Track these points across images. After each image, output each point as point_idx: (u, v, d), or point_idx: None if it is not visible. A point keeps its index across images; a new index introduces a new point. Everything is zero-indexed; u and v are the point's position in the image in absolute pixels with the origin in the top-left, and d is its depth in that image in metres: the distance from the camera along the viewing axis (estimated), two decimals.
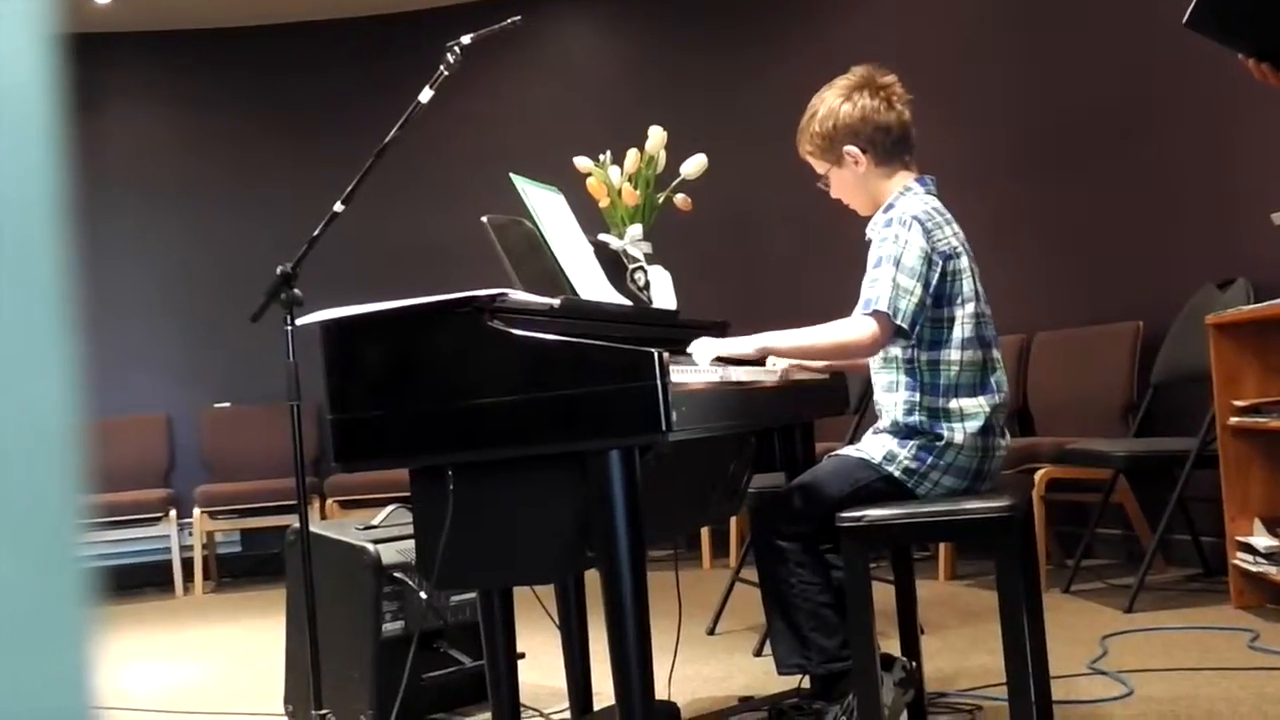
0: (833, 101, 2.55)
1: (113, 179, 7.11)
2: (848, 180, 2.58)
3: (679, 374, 1.99)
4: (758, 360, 2.52)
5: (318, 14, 7.37)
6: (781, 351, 2.47)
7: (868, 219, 2.59)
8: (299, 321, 2.60)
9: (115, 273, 7.03)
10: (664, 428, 1.87)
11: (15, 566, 0.43)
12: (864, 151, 2.53)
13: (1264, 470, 3.91)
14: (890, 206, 2.52)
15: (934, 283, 2.41)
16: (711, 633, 4.19)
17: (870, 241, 2.50)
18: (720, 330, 2.91)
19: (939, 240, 2.43)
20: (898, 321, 2.36)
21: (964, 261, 2.47)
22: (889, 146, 2.54)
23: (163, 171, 7.38)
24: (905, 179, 2.55)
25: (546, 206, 2.51)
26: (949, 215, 2.51)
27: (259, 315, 2.81)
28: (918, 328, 2.40)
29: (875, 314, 2.36)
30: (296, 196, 6.52)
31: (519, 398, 1.94)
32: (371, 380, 2.07)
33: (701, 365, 2.31)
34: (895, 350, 2.46)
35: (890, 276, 2.37)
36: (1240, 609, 3.87)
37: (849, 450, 2.55)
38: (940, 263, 2.42)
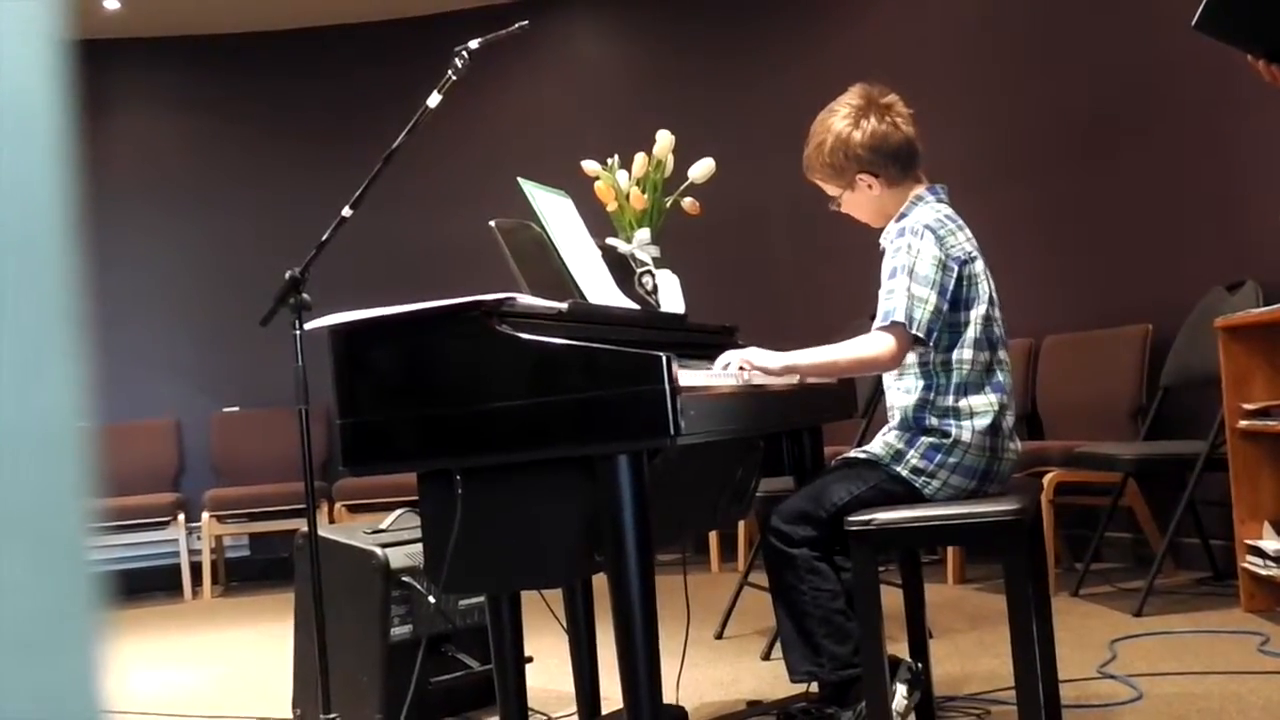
0: (840, 128, 2.54)
1: (121, 184, 7.13)
2: (860, 202, 2.60)
3: (687, 378, 1.99)
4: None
5: (327, 20, 7.38)
6: (805, 370, 2.47)
7: (878, 229, 2.60)
8: (307, 326, 2.60)
9: (124, 277, 7.04)
10: (672, 432, 1.87)
11: (26, 570, 0.43)
12: (876, 176, 2.54)
13: (1274, 473, 3.90)
14: (903, 216, 2.52)
15: (950, 288, 2.42)
16: (719, 637, 4.18)
17: (884, 251, 2.51)
18: (729, 335, 2.92)
19: (952, 246, 2.44)
20: (914, 331, 2.36)
21: (979, 265, 2.48)
22: (899, 168, 2.55)
23: (171, 176, 7.40)
24: (916, 190, 2.56)
25: (554, 210, 2.51)
26: (961, 221, 2.52)
27: (268, 320, 2.82)
28: (935, 334, 2.40)
29: (893, 326, 2.37)
30: (305, 201, 6.53)
31: (527, 402, 1.95)
32: (379, 384, 2.07)
33: (720, 370, 2.31)
34: (909, 353, 2.47)
35: (905, 287, 2.38)
36: (1250, 613, 3.86)
37: (857, 452, 2.56)
38: (956, 268, 2.43)
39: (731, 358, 2.36)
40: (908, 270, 2.40)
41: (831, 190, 2.62)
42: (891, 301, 2.39)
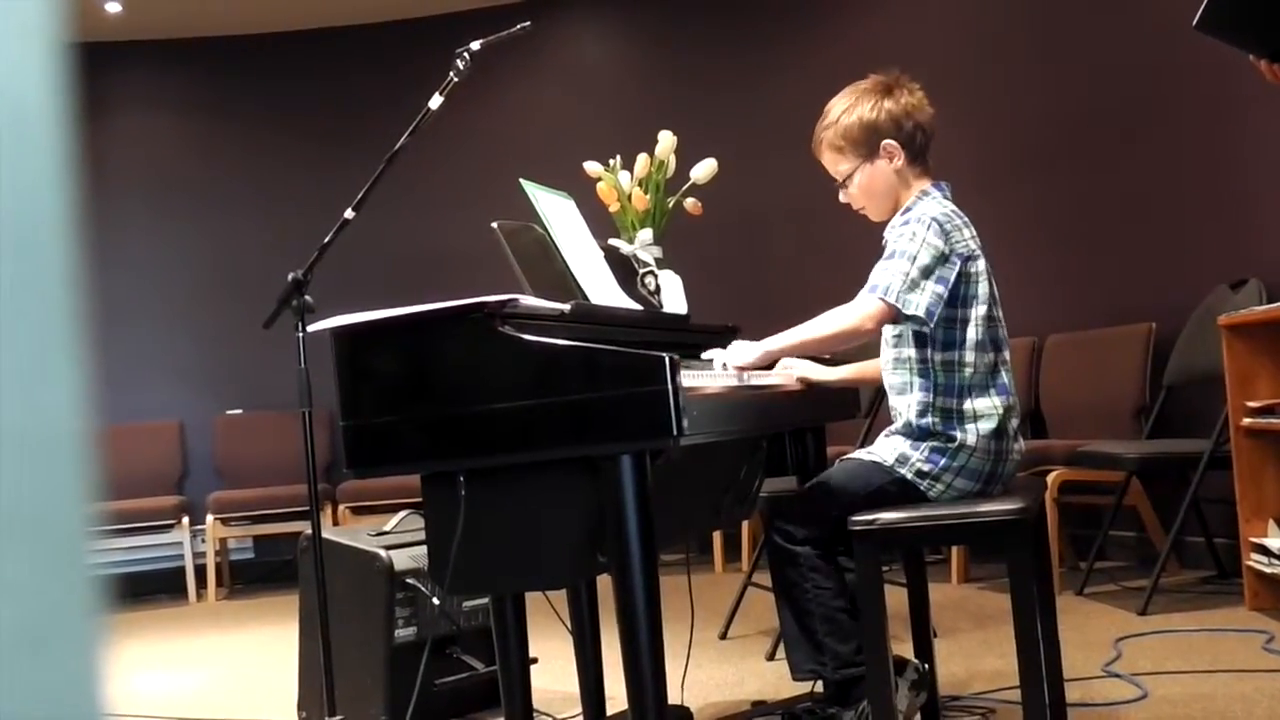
0: (871, 97, 2.54)
1: (123, 187, 7.13)
2: (876, 177, 2.55)
3: (690, 378, 1.99)
4: (768, 365, 2.53)
5: (328, 21, 7.38)
6: (784, 351, 2.46)
7: (880, 224, 2.59)
8: (310, 328, 2.61)
9: (127, 280, 7.05)
10: (675, 432, 1.87)
11: (29, 573, 0.43)
12: (903, 147, 2.52)
13: (1278, 471, 3.90)
14: (908, 210, 2.51)
15: (951, 280, 2.40)
16: (724, 637, 4.18)
17: (886, 243, 2.50)
18: (732, 335, 2.92)
19: (957, 242, 2.43)
20: (908, 311, 2.35)
21: (981, 264, 2.47)
22: (921, 145, 2.54)
23: (173, 179, 7.41)
24: (923, 184, 2.55)
25: (557, 211, 2.52)
26: (966, 219, 2.51)
27: (271, 322, 2.82)
28: (934, 316, 2.38)
29: (881, 299, 2.36)
30: (308, 203, 6.54)
31: (530, 403, 1.95)
32: (383, 386, 2.07)
33: (719, 370, 2.32)
34: (909, 351, 2.46)
35: (903, 270, 2.37)
36: (1254, 611, 3.85)
37: (861, 453, 2.55)
38: (958, 263, 2.42)
39: (715, 359, 2.36)
40: (909, 256, 2.38)
41: (847, 163, 2.56)
42: (884, 277, 2.38)
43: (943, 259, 2.40)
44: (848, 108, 2.55)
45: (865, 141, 2.53)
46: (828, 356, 2.80)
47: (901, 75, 2.57)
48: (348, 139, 6.92)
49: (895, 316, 2.38)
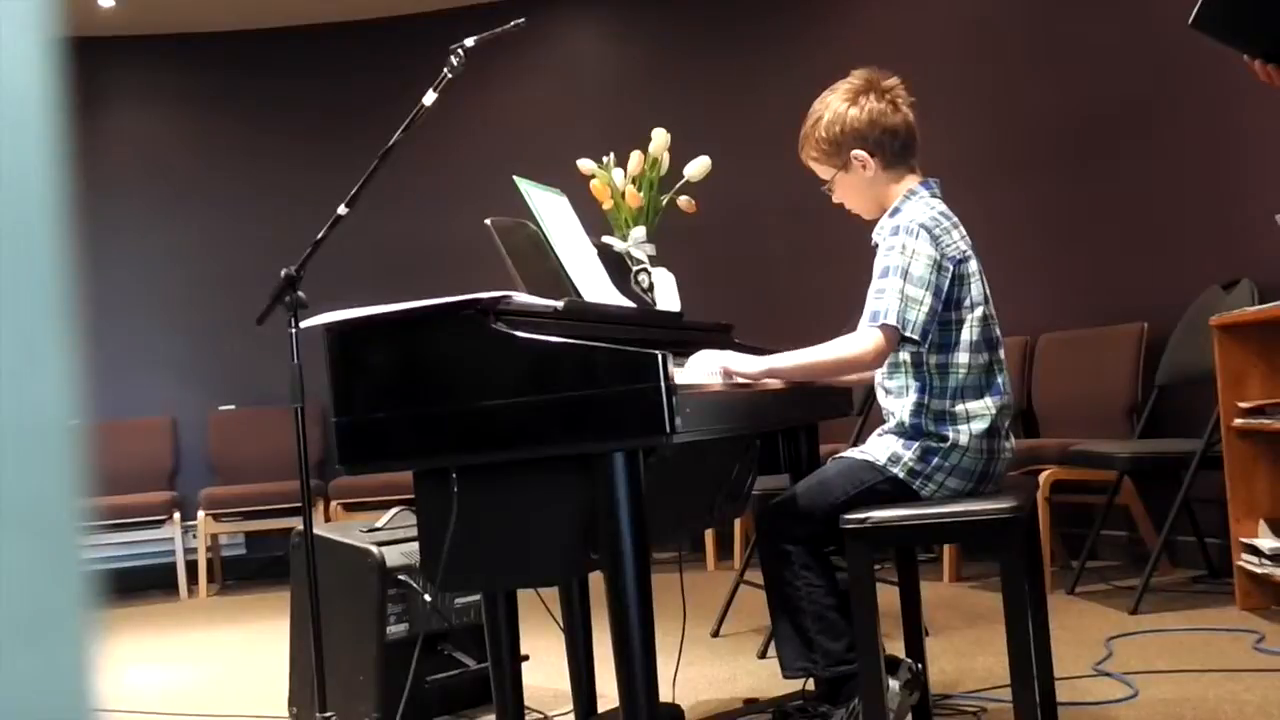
0: (838, 106, 2.53)
1: (116, 182, 7.12)
2: (854, 185, 2.56)
3: (683, 376, 1.99)
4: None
5: (322, 17, 7.38)
6: (787, 373, 2.41)
7: (871, 221, 2.59)
8: (303, 324, 2.60)
9: (119, 276, 7.04)
10: (668, 430, 1.87)
11: (20, 568, 0.43)
12: (872, 155, 2.51)
13: (1268, 471, 3.91)
14: (896, 212, 2.50)
15: (945, 289, 2.40)
16: (716, 635, 4.19)
17: (876, 247, 2.50)
18: (724, 333, 2.92)
19: (947, 246, 2.42)
20: (907, 333, 2.34)
21: (972, 265, 2.46)
22: (896, 149, 2.53)
23: (166, 175, 7.39)
24: (910, 183, 2.54)
25: (550, 209, 2.51)
26: (955, 219, 2.50)
27: (264, 318, 2.81)
28: (929, 335, 2.39)
29: (882, 327, 2.35)
30: (301, 199, 6.53)
31: (523, 400, 1.94)
32: (375, 383, 2.07)
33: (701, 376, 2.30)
34: (904, 354, 2.45)
35: (898, 289, 2.36)
36: (1245, 610, 3.86)
37: (853, 452, 2.55)
38: (950, 268, 2.41)
39: (707, 361, 2.33)
40: (901, 272, 2.37)
41: (825, 171, 2.58)
42: (882, 302, 2.36)
43: (936, 267, 2.39)
44: (816, 119, 2.55)
45: (835, 153, 2.54)
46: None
47: (875, 76, 2.55)
48: (342, 135, 6.91)
49: (898, 342, 2.37)
